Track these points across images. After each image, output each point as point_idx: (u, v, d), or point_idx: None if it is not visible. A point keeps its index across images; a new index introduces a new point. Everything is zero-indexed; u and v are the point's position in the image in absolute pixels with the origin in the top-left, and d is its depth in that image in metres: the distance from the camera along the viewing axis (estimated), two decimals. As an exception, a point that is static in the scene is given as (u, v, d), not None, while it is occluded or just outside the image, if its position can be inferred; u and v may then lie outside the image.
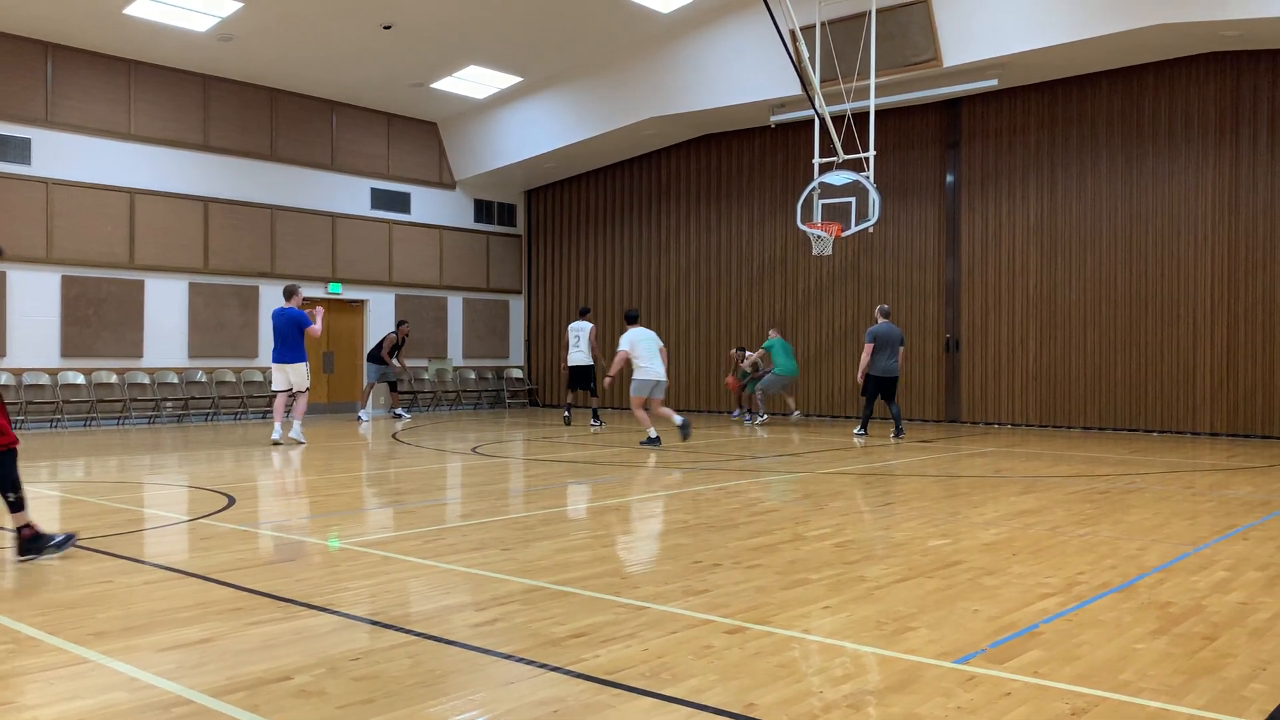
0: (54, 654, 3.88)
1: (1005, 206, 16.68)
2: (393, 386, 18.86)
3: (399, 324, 18.92)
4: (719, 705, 3.31)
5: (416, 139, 21.02)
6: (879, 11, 14.70)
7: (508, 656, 3.84)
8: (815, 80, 14.50)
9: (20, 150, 15.70)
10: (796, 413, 17.50)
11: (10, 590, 5.03)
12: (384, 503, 8.37)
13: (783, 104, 17.16)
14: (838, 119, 15.09)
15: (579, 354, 15.98)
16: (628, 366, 13.16)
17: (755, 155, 19.52)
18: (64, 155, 16.16)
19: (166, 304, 17.21)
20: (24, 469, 10.79)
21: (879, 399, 14.37)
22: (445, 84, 19.02)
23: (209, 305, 17.74)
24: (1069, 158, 16.09)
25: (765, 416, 17.20)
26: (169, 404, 17.16)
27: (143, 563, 5.61)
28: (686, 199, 20.54)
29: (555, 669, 3.68)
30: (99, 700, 3.37)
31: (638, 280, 21.27)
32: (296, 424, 13.38)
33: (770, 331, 17.04)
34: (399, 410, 18.70)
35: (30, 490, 8.85)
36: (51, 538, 5.68)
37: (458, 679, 3.62)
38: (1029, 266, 16.44)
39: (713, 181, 20.16)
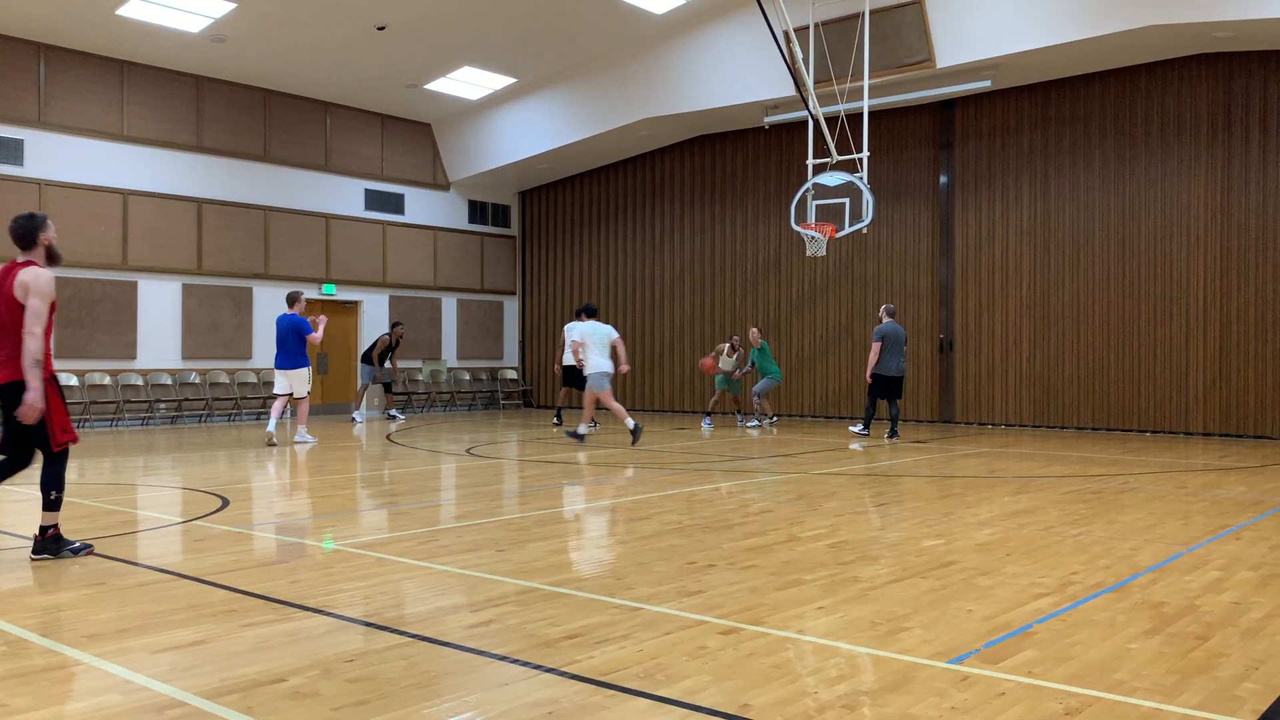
0: (47, 656, 3.87)
1: (999, 207, 16.71)
2: (387, 388, 18.85)
3: (393, 325, 18.92)
4: (714, 706, 3.31)
5: (410, 140, 21.00)
6: (873, 13, 14.72)
7: (502, 658, 3.84)
8: (809, 81, 14.52)
9: (13, 151, 15.66)
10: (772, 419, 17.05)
11: (3, 592, 5.02)
12: (378, 504, 8.36)
13: (776, 105, 17.17)
14: (831, 120, 15.10)
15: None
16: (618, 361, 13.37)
17: (749, 156, 19.54)
18: (57, 156, 16.12)
19: (160, 305, 17.17)
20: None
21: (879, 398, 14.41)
22: (439, 85, 19.01)
23: (203, 306, 17.70)
24: (1062, 159, 16.13)
25: (775, 417, 17.03)
26: (162, 405, 17.13)
27: (136, 565, 5.60)
28: (680, 200, 20.55)
29: (550, 670, 3.68)
30: (92, 703, 3.37)
31: (632, 281, 21.27)
32: (301, 429, 13.43)
33: (754, 332, 16.61)
34: (393, 411, 18.69)
35: (24, 492, 8.82)
36: (70, 543, 5.78)
37: (452, 680, 3.62)
38: (1022, 267, 16.47)
39: (707, 182, 20.17)
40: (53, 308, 5.67)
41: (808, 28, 14.94)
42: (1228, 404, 14.74)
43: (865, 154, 14.53)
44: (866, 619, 4.41)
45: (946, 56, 15.22)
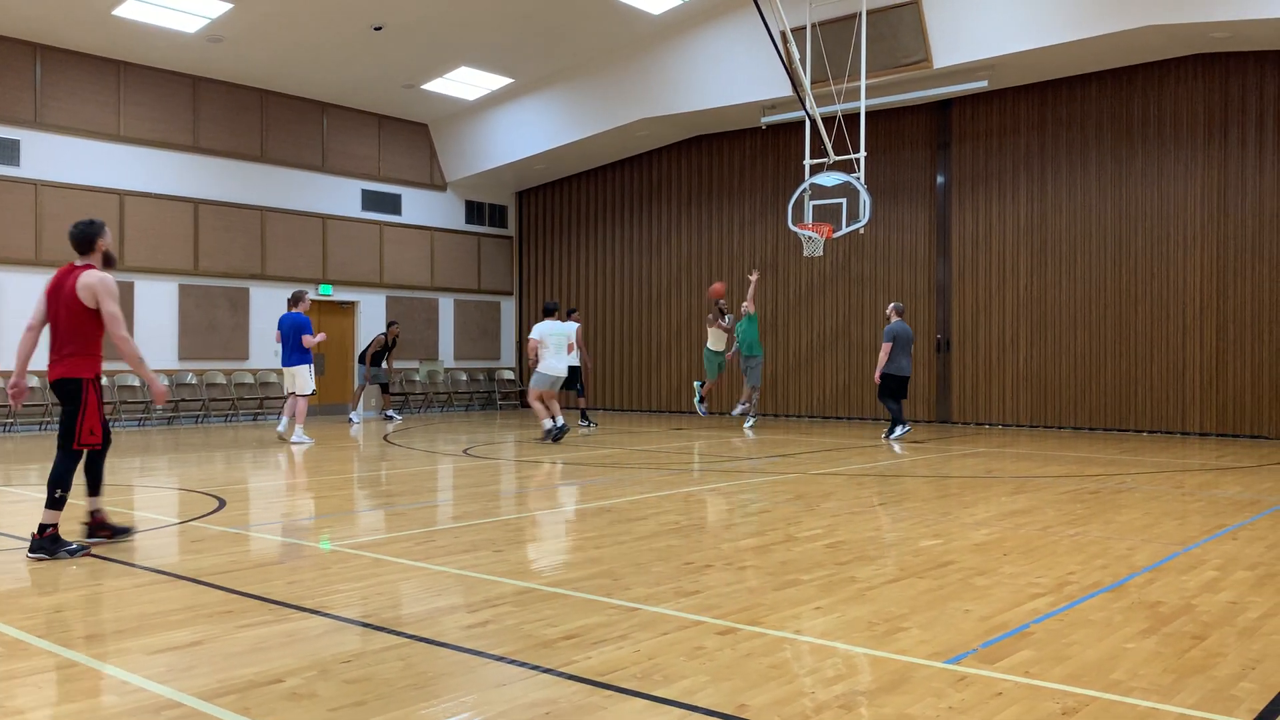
0: (43, 657, 3.86)
1: (995, 207, 16.72)
2: (384, 388, 18.85)
3: (389, 325, 18.91)
4: (711, 706, 3.32)
5: (407, 140, 20.99)
6: (869, 13, 14.72)
7: (500, 658, 3.84)
8: (806, 81, 14.53)
9: (9, 152, 15.64)
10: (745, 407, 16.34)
11: (0, 593, 5.01)
12: (375, 505, 8.35)
13: (774, 105, 17.17)
14: (828, 120, 15.11)
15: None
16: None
17: (746, 156, 19.54)
18: (53, 157, 16.10)
19: (156, 306, 17.14)
20: (13, 472, 10.75)
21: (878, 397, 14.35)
22: (436, 85, 19.00)
23: (199, 307, 17.68)
24: (1059, 159, 16.14)
25: (755, 419, 16.55)
26: (159, 406, 17.11)
27: (133, 565, 5.59)
28: (678, 200, 20.55)
29: (547, 671, 3.68)
30: (89, 704, 3.36)
31: (629, 281, 21.27)
32: (298, 429, 13.47)
33: (747, 304, 15.94)
34: (390, 412, 18.69)
35: (20, 494, 8.81)
36: (68, 544, 5.80)
37: (450, 681, 3.62)
38: (1019, 267, 16.48)
39: (704, 183, 20.17)
40: None
41: (805, 28, 14.95)
42: (1224, 404, 14.76)
43: (862, 154, 14.54)
44: (864, 619, 4.41)
45: (943, 57, 15.23)
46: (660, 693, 3.44)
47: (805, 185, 14.91)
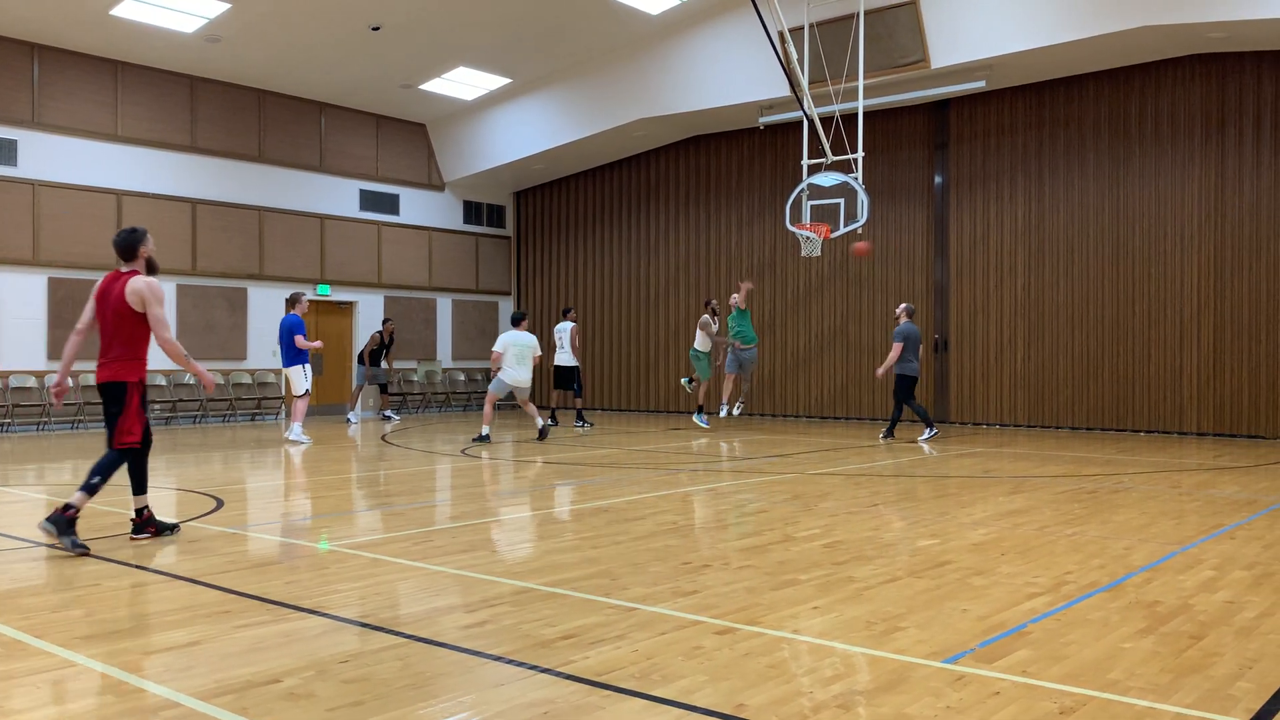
0: (41, 657, 3.86)
1: (993, 207, 16.73)
2: (383, 389, 18.85)
3: (383, 322, 18.90)
4: (709, 706, 3.32)
5: (405, 140, 20.99)
6: (867, 13, 14.73)
7: (498, 658, 3.84)
8: (804, 82, 14.52)
9: (7, 152, 15.63)
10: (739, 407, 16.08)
11: (-3, 594, 5.01)
12: (373, 505, 8.35)
13: (771, 105, 17.18)
14: (826, 120, 15.11)
15: (563, 354, 16.08)
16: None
17: (744, 156, 19.55)
18: (51, 157, 16.09)
19: (154, 306, 17.10)
20: (11, 472, 10.74)
21: (882, 393, 14.32)
22: (434, 85, 19.00)
23: (197, 307, 17.67)
24: (1056, 159, 16.15)
25: (739, 408, 15.90)
26: (157, 406, 17.08)
27: (130, 565, 5.59)
28: (675, 200, 20.55)
29: (545, 670, 3.68)
30: (86, 704, 3.36)
31: (627, 282, 21.27)
32: (295, 426, 13.57)
33: (736, 296, 15.57)
34: (388, 412, 18.69)
35: (17, 494, 8.80)
36: (75, 536, 5.88)
37: (448, 681, 3.62)
38: (1017, 267, 16.49)
39: (702, 183, 20.18)
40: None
41: (802, 28, 14.94)
42: (1221, 404, 14.77)
43: (860, 154, 14.54)
44: (861, 619, 4.42)
45: (941, 57, 15.24)
46: (658, 692, 3.45)
47: (803, 185, 14.90)
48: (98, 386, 6.23)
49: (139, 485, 6.35)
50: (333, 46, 16.93)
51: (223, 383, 17.96)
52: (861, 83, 14.49)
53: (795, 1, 14.88)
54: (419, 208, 21.20)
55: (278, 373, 18.34)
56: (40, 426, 15.90)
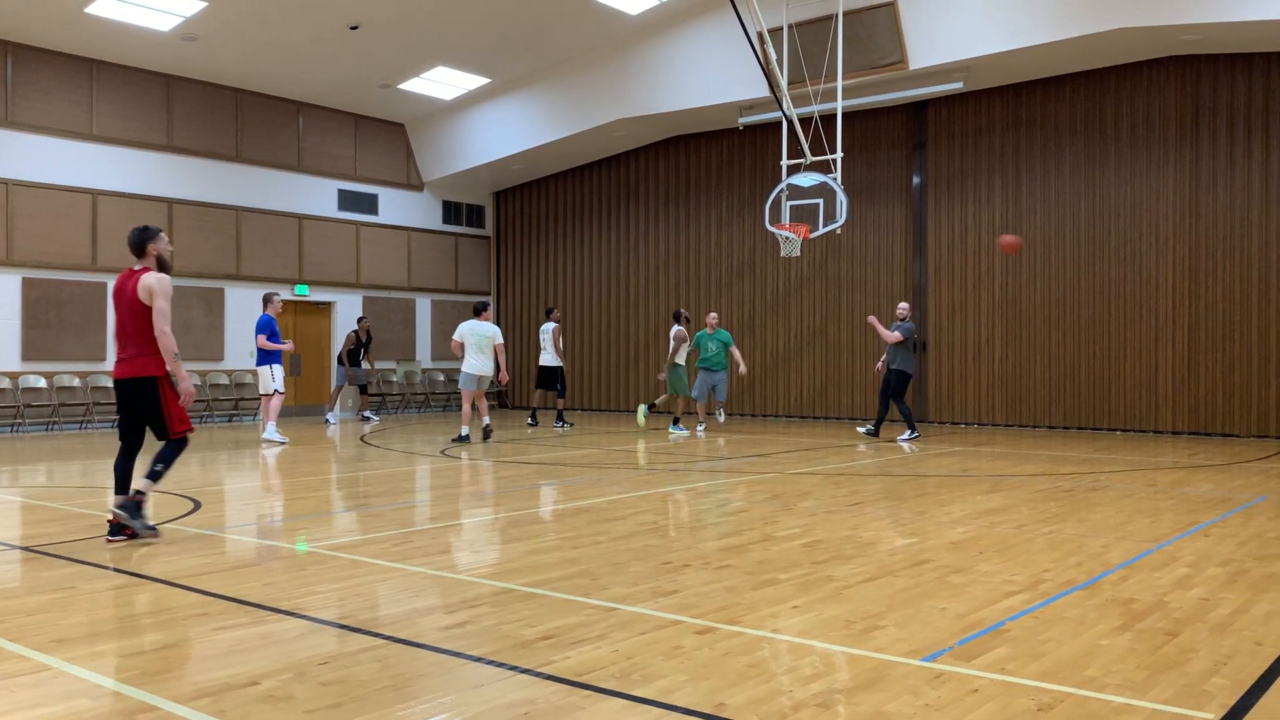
0: (15, 661, 3.83)
1: (971, 208, 16.83)
2: (363, 389, 18.77)
3: (358, 320, 18.80)
4: (689, 705, 3.32)
5: (384, 140, 20.90)
6: (846, 14, 14.79)
7: (477, 659, 3.83)
8: (783, 82, 14.57)
9: (-21, 151, 15.47)
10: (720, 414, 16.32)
11: (-30, 597, 4.96)
12: (352, 506, 8.31)
13: (751, 106, 17.22)
14: (805, 121, 15.16)
15: (546, 355, 16.08)
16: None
17: (723, 157, 19.58)
18: (25, 156, 15.92)
19: (130, 306, 16.97)
20: (7, 473, 10.59)
21: (861, 392, 14.33)
22: (412, 85, 18.93)
23: (174, 307, 17.46)
24: (1033, 159, 16.26)
25: (708, 421, 15.97)
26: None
27: (106, 568, 5.54)
28: (655, 200, 20.56)
29: (525, 671, 3.68)
30: (62, 708, 3.33)
31: (606, 282, 21.26)
32: (270, 425, 13.61)
33: (711, 318, 15.44)
34: (367, 413, 18.61)
35: (8, 498, 8.71)
36: (145, 518, 6.24)
37: (427, 682, 3.61)
38: (994, 267, 16.59)
39: (681, 183, 20.19)
40: None
41: (782, 29, 14.99)
42: (1196, 403, 14.91)
43: (839, 155, 14.61)
44: (841, 618, 4.43)
45: (919, 58, 15.31)
46: (638, 692, 3.45)
47: (782, 185, 14.95)
48: (115, 383, 6.39)
49: (122, 485, 6.35)
50: (311, 46, 16.84)
51: (200, 384, 17.83)
52: (840, 83, 14.55)
53: (774, 2, 14.92)
54: (398, 208, 21.12)
55: (254, 373, 18.21)
56: (15, 428, 15.74)
